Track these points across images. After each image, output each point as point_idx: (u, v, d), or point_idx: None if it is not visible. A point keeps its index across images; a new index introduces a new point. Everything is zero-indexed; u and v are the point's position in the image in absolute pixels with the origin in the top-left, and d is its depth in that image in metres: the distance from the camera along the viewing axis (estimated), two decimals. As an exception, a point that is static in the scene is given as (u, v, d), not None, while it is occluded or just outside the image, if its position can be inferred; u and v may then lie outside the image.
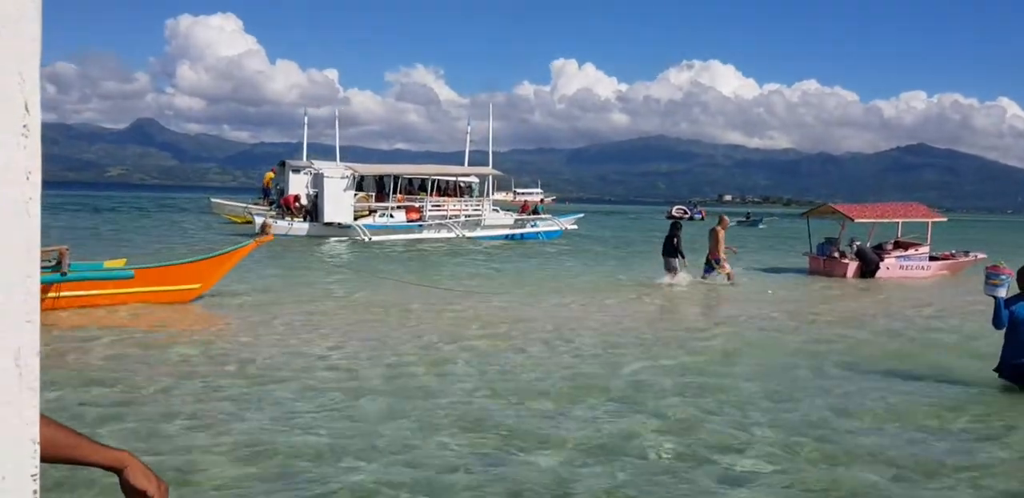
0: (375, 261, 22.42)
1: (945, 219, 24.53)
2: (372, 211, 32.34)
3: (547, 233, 34.68)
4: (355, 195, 32.96)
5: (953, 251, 23.79)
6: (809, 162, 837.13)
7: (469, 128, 42.06)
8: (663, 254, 19.08)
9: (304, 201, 32.66)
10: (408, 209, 32.65)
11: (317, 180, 31.72)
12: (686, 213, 72.11)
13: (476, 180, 37.95)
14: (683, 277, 18.52)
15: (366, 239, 28.57)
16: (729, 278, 18.67)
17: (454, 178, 36.37)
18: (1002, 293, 8.27)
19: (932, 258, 22.75)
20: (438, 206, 33.32)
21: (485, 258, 24.89)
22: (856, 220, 22.28)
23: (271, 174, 39.96)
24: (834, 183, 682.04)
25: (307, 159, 38.48)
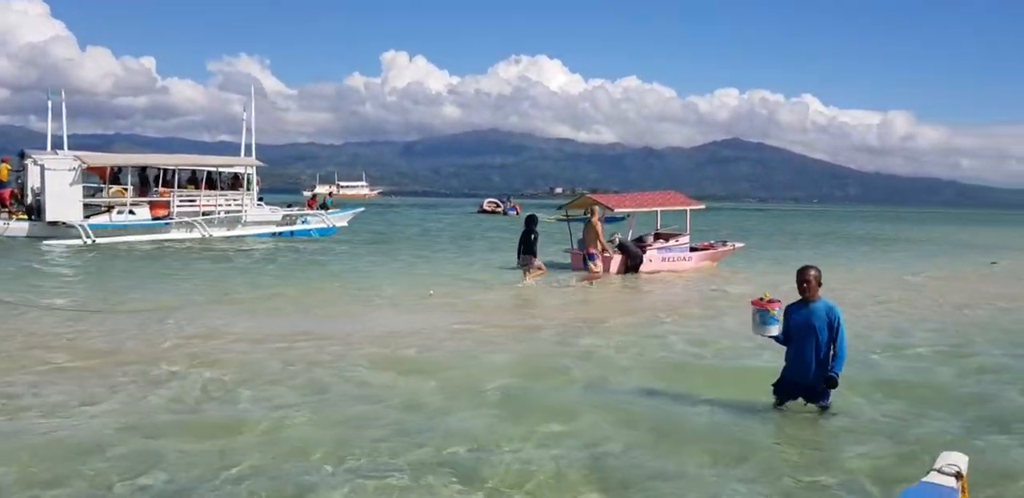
0: (51, 273, 18.75)
1: (703, 207, 24.03)
2: (110, 208, 28.57)
3: (320, 230, 32.20)
4: (108, 189, 29.40)
5: (712, 241, 23.40)
6: (633, 156, 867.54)
7: (246, 115, 38.45)
8: (521, 252, 17.75)
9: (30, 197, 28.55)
10: (153, 204, 29.07)
11: (42, 173, 27.65)
12: (498, 206, 70.81)
13: (254, 172, 34.82)
14: (530, 280, 17.22)
15: (88, 241, 25.01)
16: (591, 279, 17.90)
17: (215, 168, 32.77)
18: (775, 331, 6.95)
19: (693, 249, 22.05)
20: (189, 201, 29.84)
21: (220, 262, 22.09)
22: (616, 210, 21.20)
23: (7, 166, 35.01)
24: (657, 176, 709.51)
25: (51, 149, 33.93)
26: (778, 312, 6.95)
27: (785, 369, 7.26)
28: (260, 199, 34.98)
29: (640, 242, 21.37)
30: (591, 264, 18.16)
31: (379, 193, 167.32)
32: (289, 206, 37.40)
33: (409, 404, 7.46)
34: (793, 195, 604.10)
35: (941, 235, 52.11)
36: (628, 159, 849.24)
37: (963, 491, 3.64)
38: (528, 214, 18.85)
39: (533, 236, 17.54)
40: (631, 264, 20.28)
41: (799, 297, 7.05)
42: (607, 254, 20.00)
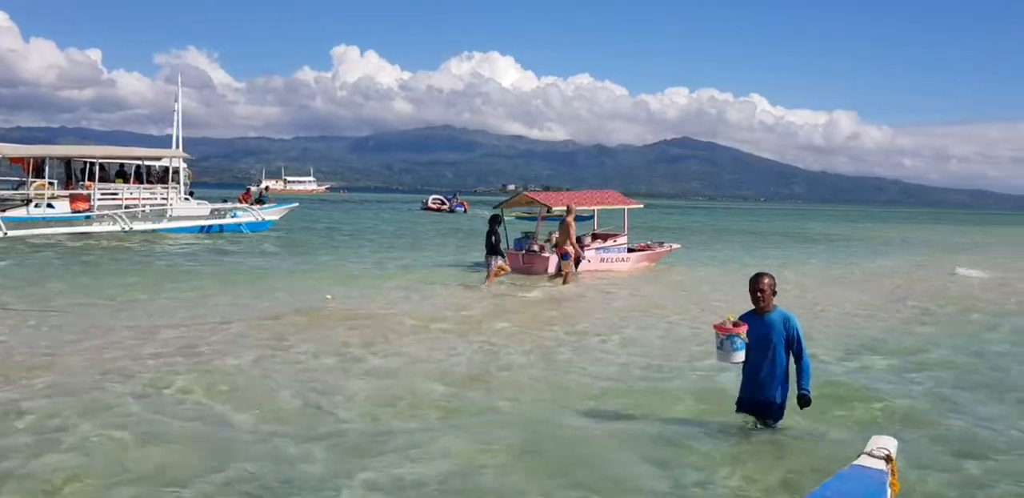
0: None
1: (642, 206, 23.50)
2: (28, 201, 27.28)
3: (251, 225, 31.09)
4: (30, 183, 28.23)
5: (649, 241, 22.93)
6: (586, 153, 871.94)
7: (177, 106, 36.98)
8: (486, 253, 17.51)
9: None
10: (73, 198, 27.75)
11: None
12: (443, 204, 69.64)
13: (185, 166, 33.64)
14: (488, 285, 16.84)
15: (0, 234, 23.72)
16: (566, 279, 17.65)
17: (142, 162, 31.45)
18: (740, 358, 6.17)
19: (630, 249, 21.53)
20: (111, 194, 28.56)
21: (119, 257, 20.94)
22: (554, 208, 20.56)
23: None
24: (609, 173, 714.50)
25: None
26: (738, 341, 6.21)
27: (743, 388, 6.57)
28: (190, 193, 33.81)
29: (578, 242, 20.75)
30: (564, 263, 17.91)
31: (327, 189, 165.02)
32: (224, 201, 36.21)
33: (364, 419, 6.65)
34: (742, 193, 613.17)
35: (897, 234, 52.77)
36: (580, 156, 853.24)
37: (892, 473, 3.75)
38: (492, 214, 18.64)
39: (495, 237, 17.40)
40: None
41: (751, 307, 6.40)
42: (545, 254, 19.45)
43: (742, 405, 6.58)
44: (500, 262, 17.30)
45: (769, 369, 6.26)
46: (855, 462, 3.81)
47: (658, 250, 22.32)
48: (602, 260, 20.58)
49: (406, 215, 58.42)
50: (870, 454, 3.83)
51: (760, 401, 6.42)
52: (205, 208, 31.41)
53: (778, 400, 6.37)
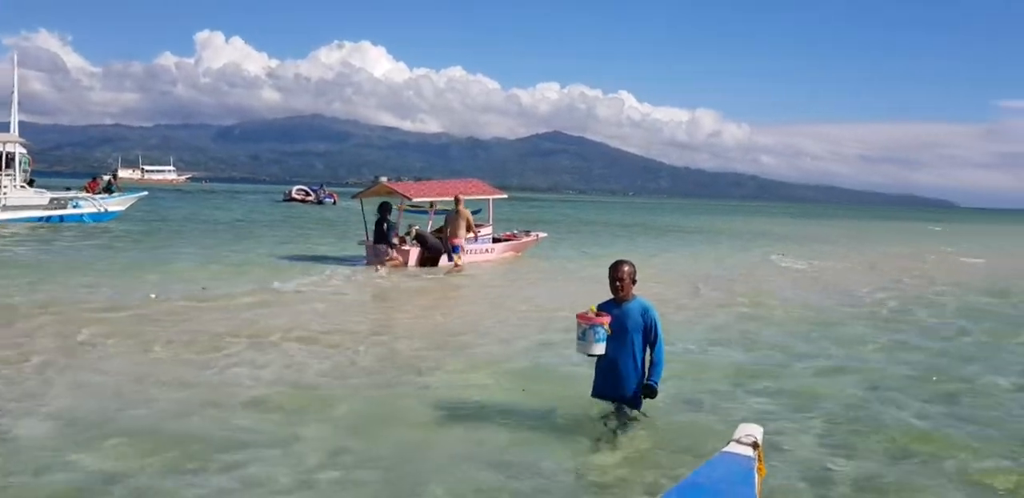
0: None
1: (505, 196, 23.34)
2: None
3: (93, 215, 29.19)
4: None
5: (515, 231, 22.77)
6: (459, 146, 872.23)
7: (15, 87, 34.30)
8: (374, 241, 17.89)
9: None
10: None
11: None
12: (308, 194, 67.35)
13: (24, 151, 31.20)
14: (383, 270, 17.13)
15: None
16: (456, 269, 17.67)
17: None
18: (601, 349, 5.88)
19: (495, 239, 21.32)
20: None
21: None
22: (414, 199, 20.08)
23: None
24: (482, 166, 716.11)
25: None
26: (601, 330, 5.97)
27: (597, 380, 6.34)
28: (30, 181, 31.46)
29: (440, 233, 20.38)
30: (455, 256, 17.83)
31: (188, 179, 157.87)
32: (68, 189, 33.89)
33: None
34: (611, 187, 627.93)
35: (743, 226, 55.08)
36: (454, 149, 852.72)
37: (759, 459, 3.85)
38: (382, 202, 18.59)
39: (386, 225, 17.50)
40: (429, 256, 19.20)
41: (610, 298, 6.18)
42: (405, 246, 18.95)
43: (598, 398, 6.40)
44: (394, 253, 17.55)
45: (626, 359, 6.08)
46: (724, 449, 3.93)
47: (524, 239, 22.20)
48: (466, 251, 20.24)
49: (266, 207, 56.13)
50: (738, 441, 3.96)
51: (616, 394, 6.24)
52: (44, 197, 29.23)
53: (635, 391, 6.19)
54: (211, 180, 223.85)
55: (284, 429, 6.17)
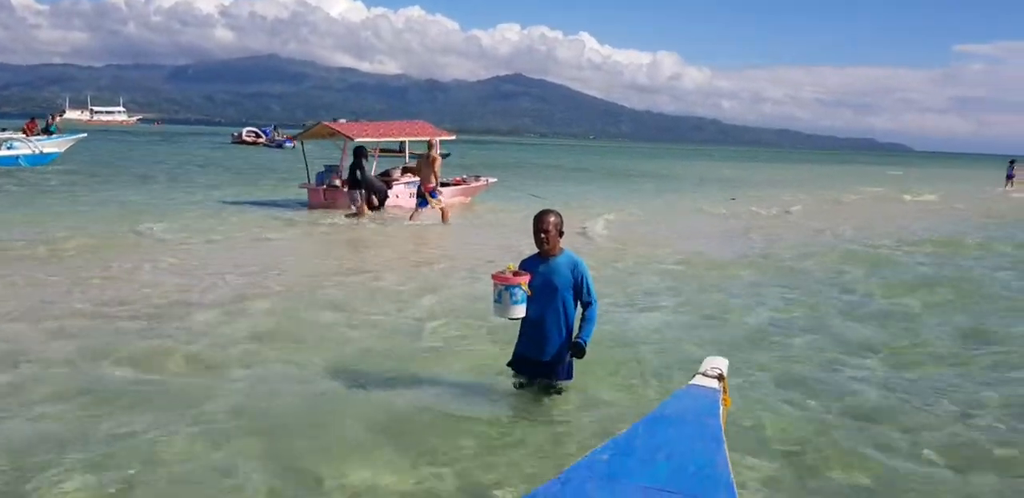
0: None
1: (453, 137, 22.49)
2: None
3: (29, 158, 27.87)
4: None
5: (464, 176, 21.99)
6: (418, 88, 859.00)
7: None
8: (349, 187, 17.33)
9: None
10: None
11: None
12: (259, 137, 64.99)
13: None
14: (368, 213, 17.04)
15: None
16: (444, 216, 16.60)
17: None
18: (520, 312, 5.35)
19: (444, 184, 20.56)
20: None
21: None
22: (355, 139, 19.19)
23: None
24: (441, 109, 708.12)
25: None
26: (518, 291, 5.31)
27: (520, 343, 5.66)
28: (-42, 122, 29.92)
29: (386, 176, 19.60)
30: (433, 201, 16.71)
31: (138, 120, 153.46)
32: (3, 130, 32.27)
33: None
34: (572, 131, 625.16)
35: (704, 170, 54.70)
36: (413, 91, 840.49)
37: (724, 391, 3.95)
38: (356, 145, 17.92)
39: (360, 171, 17.03)
40: (376, 200, 18.45)
41: (536, 250, 5.50)
42: (346, 189, 18.15)
43: (519, 364, 5.71)
44: (364, 198, 17.25)
45: (553, 319, 5.43)
46: (691, 382, 3.99)
47: (473, 184, 21.49)
48: (412, 196, 19.50)
49: (210, 151, 53.74)
50: (704, 374, 4.03)
51: (542, 359, 5.56)
52: (-28, 141, 27.80)
53: (564, 357, 5.54)
54: (165, 121, 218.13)
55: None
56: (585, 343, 5.38)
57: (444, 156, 20.78)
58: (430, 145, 17.37)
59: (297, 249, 13.30)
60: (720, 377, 3.99)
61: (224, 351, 6.71)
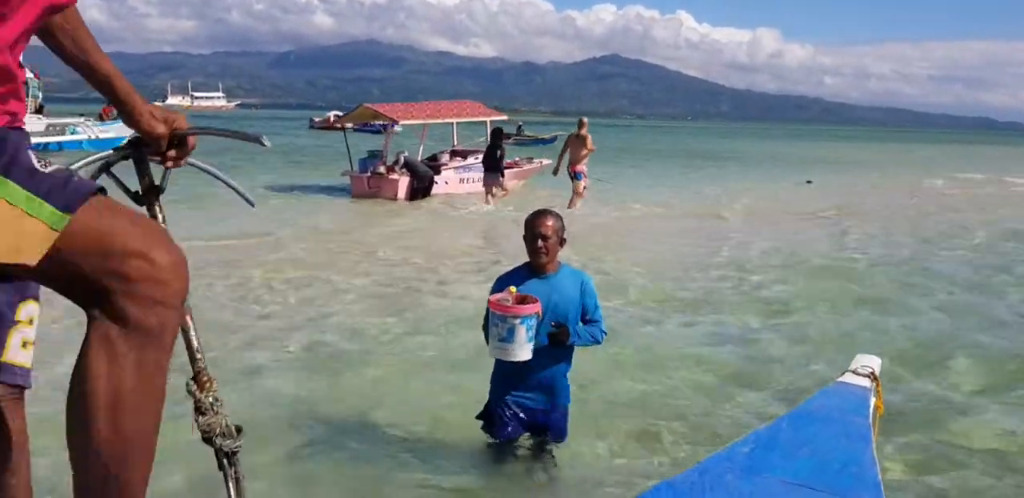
0: None
1: (505, 117, 21.24)
2: None
3: (94, 142, 28.13)
4: None
5: (517, 158, 20.70)
6: (514, 71, 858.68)
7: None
8: (485, 170, 16.34)
9: None
10: None
11: None
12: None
13: (32, 75, 30.23)
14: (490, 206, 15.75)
15: None
16: (571, 203, 15.30)
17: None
18: (529, 353, 3.70)
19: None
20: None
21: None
22: (401, 122, 18.31)
23: None
24: (537, 91, 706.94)
25: None
26: (529, 320, 3.72)
27: (500, 384, 4.03)
28: (40, 108, 30.55)
29: (433, 161, 18.60)
30: (576, 183, 15.51)
31: (236, 105, 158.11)
32: (81, 116, 32.97)
33: None
34: (670, 112, 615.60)
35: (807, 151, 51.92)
36: (508, 74, 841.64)
37: (878, 393, 3.74)
38: (494, 127, 17.12)
39: (499, 152, 16.08)
40: (419, 186, 17.46)
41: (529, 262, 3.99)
42: (393, 176, 17.18)
43: (498, 415, 4.02)
44: (502, 182, 16.31)
45: (549, 354, 3.90)
46: (839, 379, 3.83)
47: (526, 167, 20.20)
48: (461, 181, 18.48)
49: (288, 137, 52.56)
50: (854, 372, 3.87)
51: (533, 406, 4.02)
52: (41, 123, 28.23)
53: (562, 402, 4.06)
54: (268, 107, 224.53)
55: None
56: (575, 336, 3.91)
57: (550, 140, 19.63)
58: (581, 124, 16.02)
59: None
60: (872, 376, 3.79)
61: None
